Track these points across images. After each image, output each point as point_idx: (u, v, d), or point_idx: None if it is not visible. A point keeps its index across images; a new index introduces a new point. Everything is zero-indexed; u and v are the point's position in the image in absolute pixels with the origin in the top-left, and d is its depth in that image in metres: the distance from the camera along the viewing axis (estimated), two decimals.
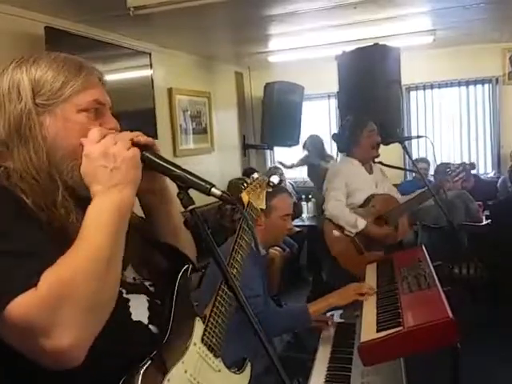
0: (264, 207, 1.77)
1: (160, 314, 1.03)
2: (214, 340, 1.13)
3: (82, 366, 0.81)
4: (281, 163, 6.42)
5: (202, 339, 1.10)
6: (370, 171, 3.26)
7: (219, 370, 1.13)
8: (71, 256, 0.82)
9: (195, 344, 1.07)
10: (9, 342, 0.79)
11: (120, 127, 1.03)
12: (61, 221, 0.91)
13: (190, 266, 1.12)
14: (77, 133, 0.95)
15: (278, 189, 2.36)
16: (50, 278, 0.78)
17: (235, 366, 1.22)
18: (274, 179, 1.86)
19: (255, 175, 1.83)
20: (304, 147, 6.05)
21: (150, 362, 0.94)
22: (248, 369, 1.25)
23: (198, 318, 1.12)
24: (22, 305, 0.76)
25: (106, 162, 0.90)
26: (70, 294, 0.78)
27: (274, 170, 5.68)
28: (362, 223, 3.03)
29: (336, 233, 3.06)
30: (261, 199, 1.75)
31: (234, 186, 5.19)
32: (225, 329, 1.20)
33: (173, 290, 1.05)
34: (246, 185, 1.74)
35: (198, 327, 1.11)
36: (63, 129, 0.95)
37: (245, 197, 1.71)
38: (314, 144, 5.93)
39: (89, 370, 0.83)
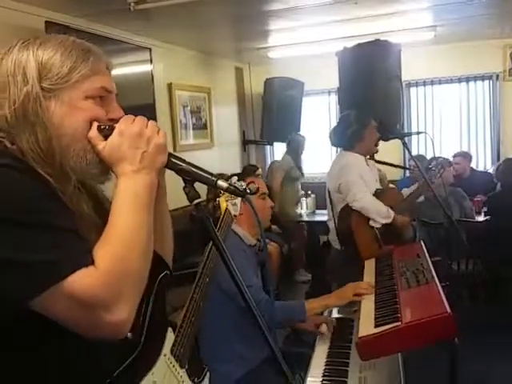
0: (236, 214, 1.78)
1: (136, 321, 1.01)
2: (181, 350, 1.17)
3: (61, 372, 0.85)
4: None
5: (172, 350, 1.14)
6: (368, 166, 3.26)
7: (183, 381, 1.17)
8: (117, 233, 0.84)
9: (165, 355, 1.11)
10: (54, 314, 0.80)
11: None
12: (74, 209, 0.90)
13: (167, 273, 1.11)
14: (82, 119, 0.94)
15: (247, 171, 2.35)
16: (106, 255, 0.81)
17: (196, 375, 1.26)
18: (252, 187, 1.87)
19: (233, 180, 1.82)
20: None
21: (122, 371, 0.95)
22: (206, 379, 1.29)
23: (170, 329, 1.16)
24: (85, 281, 0.79)
25: (140, 143, 0.92)
26: (128, 269, 0.82)
27: None
28: (392, 212, 3.00)
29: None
30: (235, 206, 1.78)
31: (248, 171, 5.10)
32: (192, 339, 1.24)
33: (149, 297, 1.05)
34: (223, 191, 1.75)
35: (169, 337, 1.15)
36: (68, 115, 0.92)
37: (222, 203, 1.74)
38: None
39: (68, 377, 0.87)
